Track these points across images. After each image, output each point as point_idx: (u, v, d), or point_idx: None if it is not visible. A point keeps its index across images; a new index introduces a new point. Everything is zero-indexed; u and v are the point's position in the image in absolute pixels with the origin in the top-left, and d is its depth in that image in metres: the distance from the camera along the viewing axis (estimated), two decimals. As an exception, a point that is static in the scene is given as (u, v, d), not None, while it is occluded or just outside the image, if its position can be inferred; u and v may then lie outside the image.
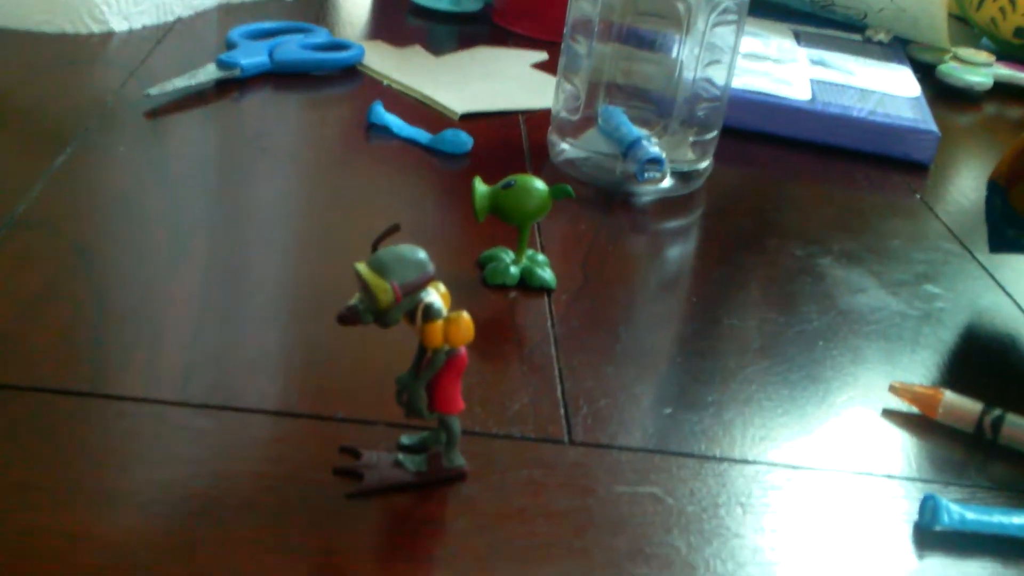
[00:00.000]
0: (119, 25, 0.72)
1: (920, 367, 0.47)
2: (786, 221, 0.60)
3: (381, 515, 0.34)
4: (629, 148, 0.58)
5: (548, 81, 0.73)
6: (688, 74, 0.58)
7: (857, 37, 0.90)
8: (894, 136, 0.70)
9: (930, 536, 0.37)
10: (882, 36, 0.90)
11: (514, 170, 0.58)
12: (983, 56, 0.90)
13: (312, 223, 0.52)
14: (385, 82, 0.71)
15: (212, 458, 0.36)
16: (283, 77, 0.69)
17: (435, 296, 0.33)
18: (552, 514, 0.35)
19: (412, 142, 0.62)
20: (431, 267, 0.32)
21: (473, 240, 0.52)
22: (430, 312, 0.32)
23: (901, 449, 0.41)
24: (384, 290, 0.31)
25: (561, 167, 0.61)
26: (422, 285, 0.32)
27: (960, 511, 0.36)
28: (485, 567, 0.33)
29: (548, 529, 0.34)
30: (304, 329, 0.43)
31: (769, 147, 0.70)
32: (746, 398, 0.43)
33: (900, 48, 0.89)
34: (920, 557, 0.36)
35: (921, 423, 0.43)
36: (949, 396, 0.43)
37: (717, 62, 0.58)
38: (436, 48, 0.78)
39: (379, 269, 0.32)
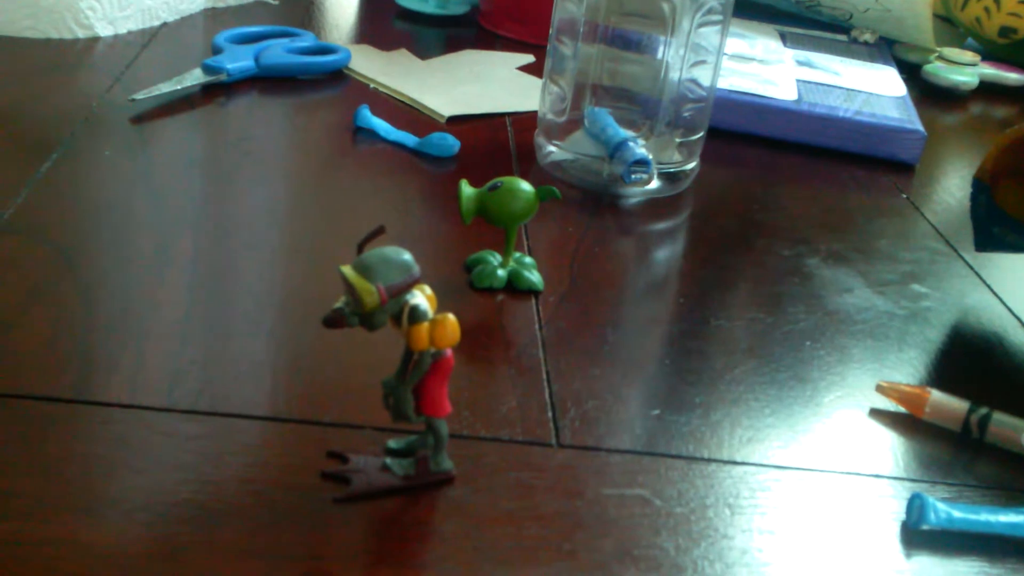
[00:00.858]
0: (105, 30, 0.72)
1: (907, 366, 0.47)
2: (773, 222, 0.60)
3: (369, 520, 0.34)
4: (615, 150, 0.58)
5: (534, 83, 0.73)
6: (674, 75, 0.58)
7: (843, 38, 0.91)
8: (880, 136, 0.70)
9: (917, 535, 0.37)
10: (868, 36, 0.90)
11: (501, 173, 0.58)
12: (968, 56, 0.90)
13: (298, 227, 0.52)
14: (371, 85, 0.71)
15: (198, 464, 0.35)
16: (269, 81, 0.69)
17: (421, 298, 0.33)
18: (540, 517, 0.35)
19: (399, 146, 0.62)
20: (416, 269, 0.32)
21: (460, 243, 0.52)
22: (416, 314, 0.32)
23: (888, 448, 0.41)
24: (369, 292, 0.31)
25: (548, 169, 0.61)
26: (407, 287, 0.32)
27: (947, 510, 0.36)
28: (473, 570, 0.33)
29: (536, 532, 0.34)
30: (290, 333, 0.43)
31: (756, 148, 0.70)
32: (734, 399, 0.43)
33: (886, 48, 0.89)
34: (908, 556, 0.36)
35: (908, 422, 0.43)
36: (936, 395, 0.43)
37: (703, 63, 0.58)
38: (422, 51, 0.78)
39: (364, 271, 0.32)
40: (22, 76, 0.65)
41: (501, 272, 0.48)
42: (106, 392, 0.38)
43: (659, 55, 0.58)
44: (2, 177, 0.52)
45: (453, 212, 0.54)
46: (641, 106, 0.60)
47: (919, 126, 0.70)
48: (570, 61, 0.59)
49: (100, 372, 0.39)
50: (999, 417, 0.42)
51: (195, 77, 0.65)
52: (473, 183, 0.49)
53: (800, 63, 0.80)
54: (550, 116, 0.61)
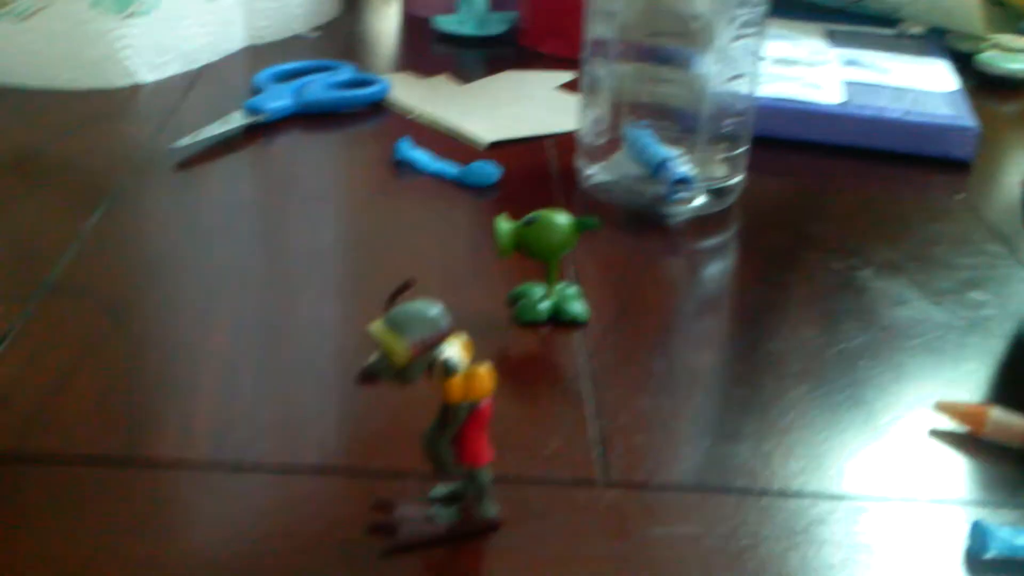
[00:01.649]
0: (146, 77, 0.73)
1: (967, 381, 0.46)
2: (824, 232, 0.58)
3: (416, 570, 0.34)
4: (657, 169, 0.57)
5: (574, 101, 0.72)
6: (712, 88, 0.57)
7: (891, 31, 0.89)
8: (931, 135, 0.68)
9: (981, 565, 0.35)
10: (916, 29, 0.88)
11: (543, 198, 0.57)
12: (1023, 42, 0.88)
13: (343, 267, 0.52)
14: (412, 115, 0.71)
15: (245, 520, 0.35)
16: (311, 117, 0.69)
17: (454, 350, 0.32)
18: (589, 560, 0.35)
19: (441, 176, 0.62)
20: (445, 323, 0.32)
21: (503, 275, 0.51)
22: (448, 368, 0.32)
23: (949, 471, 0.40)
24: (399, 349, 0.31)
25: (591, 192, 0.61)
26: (438, 341, 0.32)
27: (1009, 537, 0.35)
28: (521, 622, 0.32)
29: (584, 579, 0.34)
30: (337, 379, 0.43)
31: (803, 155, 0.69)
32: (785, 426, 0.42)
33: (937, 40, 0.87)
34: (973, 587, 0.35)
35: (969, 442, 0.42)
36: (996, 412, 0.41)
37: (740, 76, 0.57)
38: (464, 75, 0.78)
39: (393, 328, 0.31)
40: (67, 128, 0.66)
41: (543, 305, 0.48)
42: (154, 449, 0.39)
43: (696, 70, 0.57)
44: (51, 234, 0.53)
45: (494, 244, 0.54)
46: (681, 122, 0.59)
47: (972, 121, 0.68)
48: (605, 81, 0.59)
49: (148, 430, 0.40)
50: (1065, 432, 0.41)
51: (236, 119, 0.66)
52: (515, 211, 0.49)
53: (847, 63, 0.78)
54: (589, 138, 0.60)
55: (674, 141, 0.58)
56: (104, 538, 0.34)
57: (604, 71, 0.58)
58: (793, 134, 0.69)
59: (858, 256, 0.56)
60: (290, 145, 0.66)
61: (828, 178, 0.66)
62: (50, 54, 0.71)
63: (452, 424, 0.33)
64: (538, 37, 0.86)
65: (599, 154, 0.60)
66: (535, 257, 0.47)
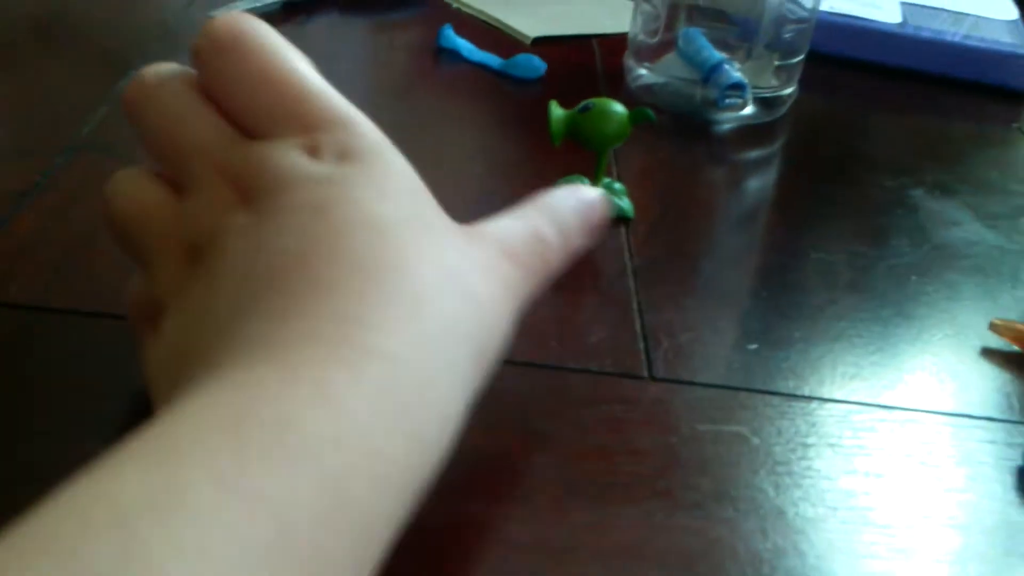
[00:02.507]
0: (184, -53, 0.71)
1: (1021, 304, 0.44)
2: (874, 151, 0.57)
3: (454, 452, 0.33)
4: (710, 73, 0.55)
5: (624, 4, 0.70)
6: (773, -5, 0.55)
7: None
8: (990, 62, 0.66)
9: (1035, 483, 0.35)
10: (976, -43, 0.85)
11: (588, 96, 0.55)
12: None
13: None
14: (454, 4, 0.68)
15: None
16: (350, 1, 0.67)
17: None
18: (633, 452, 0.34)
19: (483, 67, 0.60)
20: None
21: (548, 167, 0.50)
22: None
23: (1001, 390, 0.39)
24: None
25: (638, 93, 0.59)
26: None
27: (1069, 457, 0.34)
28: (562, 506, 0.31)
29: (629, 468, 0.33)
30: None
31: (857, 74, 0.66)
32: (835, 335, 0.41)
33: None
34: (1022, 504, 0.34)
35: (1022, 362, 0.40)
36: (1054, 335, 0.40)
37: (804, -18, 0.55)
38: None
39: None
40: (102, -7, 0.64)
41: (590, 197, 0.46)
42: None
43: (759, -28, 0.55)
44: (81, 94, 0.52)
45: (540, 135, 0.52)
46: (738, 27, 0.57)
47: (1032, 52, 0.66)
48: (664, -22, 0.56)
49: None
50: (1123, 360, 0.39)
51: (275, -6, 0.64)
52: (561, 106, 0.47)
53: (904, -16, 0.76)
54: (641, 37, 0.58)
55: (729, 46, 0.56)
56: (130, 389, 0.33)
57: (663, -33, 0.56)
58: (848, 52, 0.67)
59: (909, 176, 0.54)
60: (329, 26, 0.63)
61: (881, 99, 0.64)
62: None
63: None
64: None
65: (650, 54, 0.58)
66: (587, 146, 0.45)
